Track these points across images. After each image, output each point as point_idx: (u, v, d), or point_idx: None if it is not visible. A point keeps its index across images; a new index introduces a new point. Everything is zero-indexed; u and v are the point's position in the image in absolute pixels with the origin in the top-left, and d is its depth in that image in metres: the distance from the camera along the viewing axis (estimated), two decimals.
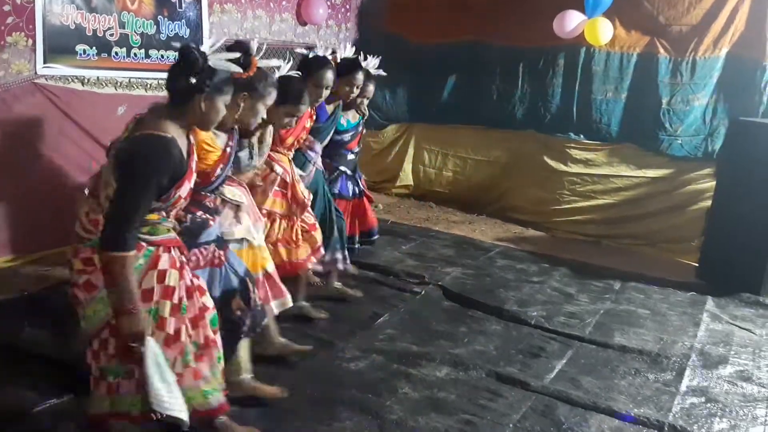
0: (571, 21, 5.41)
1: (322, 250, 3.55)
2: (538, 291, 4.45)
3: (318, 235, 3.47)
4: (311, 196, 3.46)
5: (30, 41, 3.92)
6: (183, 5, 4.82)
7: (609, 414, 2.90)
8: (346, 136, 4.00)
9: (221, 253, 2.60)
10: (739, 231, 4.46)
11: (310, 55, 3.43)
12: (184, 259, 2.29)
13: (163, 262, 2.16)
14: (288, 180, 3.30)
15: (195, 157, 2.25)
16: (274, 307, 2.99)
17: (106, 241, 1.99)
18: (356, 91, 3.78)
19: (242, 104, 2.58)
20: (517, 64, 6.13)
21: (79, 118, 4.29)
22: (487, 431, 2.73)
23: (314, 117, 3.52)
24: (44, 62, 4.01)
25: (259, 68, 2.62)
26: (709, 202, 4.94)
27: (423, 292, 4.24)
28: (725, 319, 4.14)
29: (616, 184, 5.74)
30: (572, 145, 5.88)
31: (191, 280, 2.27)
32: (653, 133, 5.49)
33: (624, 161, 5.71)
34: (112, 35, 4.37)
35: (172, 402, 2.06)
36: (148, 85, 4.68)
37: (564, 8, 5.44)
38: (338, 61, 3.68)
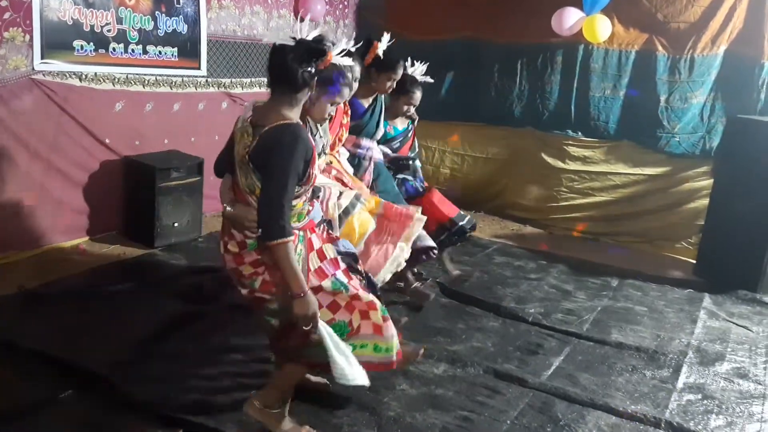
0: (570, 18, 5.40)
1: None
2: (536, 288, 4.46)
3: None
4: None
5: (27, 37, 3.91)
6: (181, 1, 4.81)
7: (606, 411, 2.91)
8: (395, 144, 3.97)
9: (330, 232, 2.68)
10: (736, 228, 4.47)
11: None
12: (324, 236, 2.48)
13: (316, 242, 2.36)
14: (344, 179, 3.20)
15: (312, 136, 2.40)
16: (397, 252, 3.07)
17: (267, 232, 2.14)
18: (394, 86, 3.68)
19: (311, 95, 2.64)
20: (516, 61, 6.13)
21: (77, 114, 4.30)
22: (484, 428, 2.73)
23: (349, 112, 3.42)
24: (41, 58, 4.01)
25: (332, 64, 2.63)
26: (706, 200, 4.96)
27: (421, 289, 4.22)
28: (722, 316, 4.16)
29: (614, 182, 5.75)
30: (570, 142, 5.88)
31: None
32: (651, 131, 5.49)
33: (622, 159, 5.71)
34: (109, 31, 4.36)
35: (354, 372, 2.26)
36: (146, 81, 4.68)
37: (562, 5, 5.44)
38: (378, 54, 3.56)
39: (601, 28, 5.31)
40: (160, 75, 4.77)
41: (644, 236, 5.59)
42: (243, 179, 2.24)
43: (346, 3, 6.70)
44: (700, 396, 3.13)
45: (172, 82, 4.88)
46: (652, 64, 5.44)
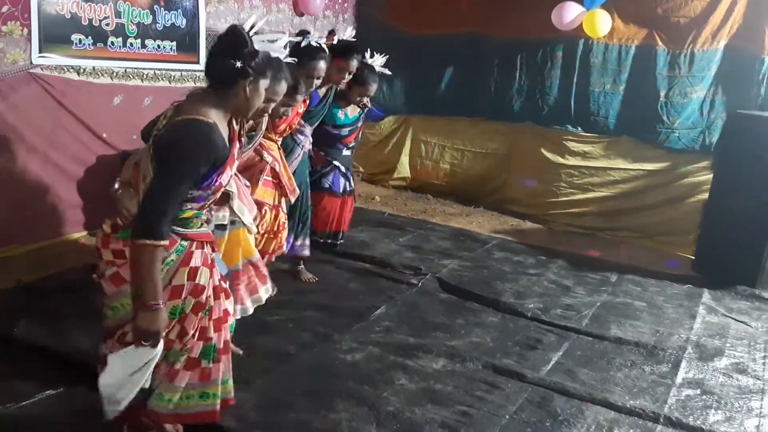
0: (570, 13, 5.39)
1: (287, 245, 3.56)
2: (535, 283, 4.45)
3: (285, 231, 3.45)
4: (297, 190, 3.43)
5: (25, 30, 3.89)
6: None
7: (605, 406, 2.91)
8: (344, 131, 3.99)
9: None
10: (735, 224, 4.46)
11: (303, 44, 3.31)
12: (214, 256, 2.22)
13: (196, 259, 2.09)
14: (277, 169, 3.26)
15: (237, 143, 2.13)
16: (262, 293, 2.99)
17: (138, 229, 1.89)
18: (348, 77, 3.72)
19: None
20: (515, 56, 6.11)
21: (75, 108, 4.28)
22: (483, 423, 2.73)
23: (307, 102, 3.49)
24: (39, 52, 3.99)
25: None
26: (706, 195, 4.95)
27: (420, 284, 4.23)
28: (721, 312, 4.15)
29: (614, 177, 5.74)
30: (570, 137, 5.87)
31: (219, 281, 2.22)
32: (651, 126, 5.48)
33: (621, 154, 5.71)
34: (108, 25, 4.34)
35: (114, 391, 1.98)
36: (144, 75, 4.66)
37: (562, 0, 5.42)
38: (334, 42, 3.61)
39: (601, 23, 5.29)
40: (158, 69, 4.75)
41: (644, 232, 5.58)
42: (143, 162, 2.01)
43: None
44: (699, 391, 3.13)
45: (170, 77, 4.86)
46: (652, 58, 5.43)
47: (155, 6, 4.62)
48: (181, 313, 2.08)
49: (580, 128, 5.85)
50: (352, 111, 4.01)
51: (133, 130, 4.65)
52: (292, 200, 3.43)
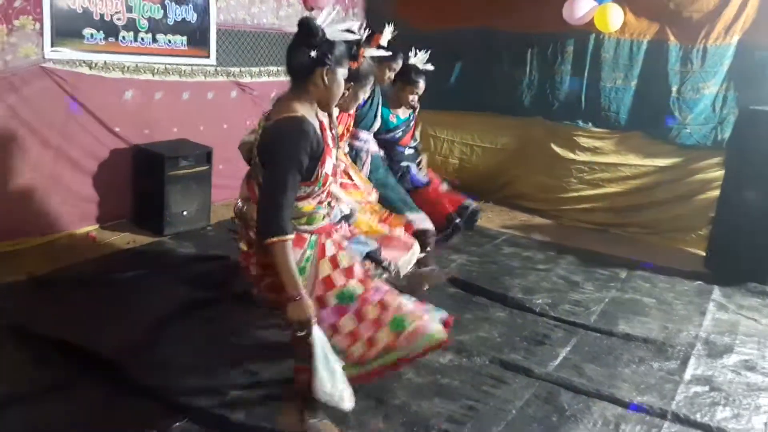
0: (581, 7, 5.36)
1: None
2: (544, 279, 4.45)
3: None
4: (375, 192, 3.36)
5: (37, 25, 3.93)
6: None
7: (612, 401, 2.91)
8: (398, 133, 3.97)
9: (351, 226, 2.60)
10: (747, 220, 4.43)
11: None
12: (356, 238, 2.40)
13: (330, 248, 2.22)
14: (351, 173, 3.23)
15: (329, 133, 2.24)
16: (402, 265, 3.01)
17: (262, 229, 2.03)
18: (392, 76, 3.74)
19: (347, 93, 2.58)
20: (526, 51, 6.09)
21: (87, 102, 4.31)
22: (490, 417, 2.73)
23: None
24: (52, 46, 4.02)
25: (365, 59, 2.58)
26: (717, 192, 4.90)
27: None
28: (731, 309, 4.13)
29: (624, 173, 5.71)
30: (580, 132, 5.84)
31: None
32: (662, 122, 5.45)
33: (632, 150, 5.67)
34: (119, 19, 4.37)
35: (333, 392, 2.11)
36: (155, 70, 4.69)
37: None
38: (378, 43, 3.58)
39: (612, 18, 5.26)
40: (169, 64, 4.78)
41: (654, 228, 5.55)
42: (255, 175, 2.17)
43: None
44: (707, 388, 3.12)
45: (181, 71, 4.88)
46: (664, 54, 5.38)
47: (166, 1, 4.64)
48: (352, 297, 2.20)
49: (590, 123, 5.82)
50: (403, 112, 4.00)
51: (145, 124, 4.73)
52: (373, 199, 3.34)
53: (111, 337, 3.06)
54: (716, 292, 4.37)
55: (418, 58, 3.93)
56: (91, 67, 4.29)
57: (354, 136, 3.56)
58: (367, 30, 3.61)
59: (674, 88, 5.36)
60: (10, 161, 3.97)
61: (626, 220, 5.69)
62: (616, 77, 5.66)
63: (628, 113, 5.68)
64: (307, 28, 2.07)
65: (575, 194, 5.90)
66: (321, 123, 2.20)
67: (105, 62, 4.36)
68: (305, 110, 2.11)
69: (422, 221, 3.67)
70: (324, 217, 2.24)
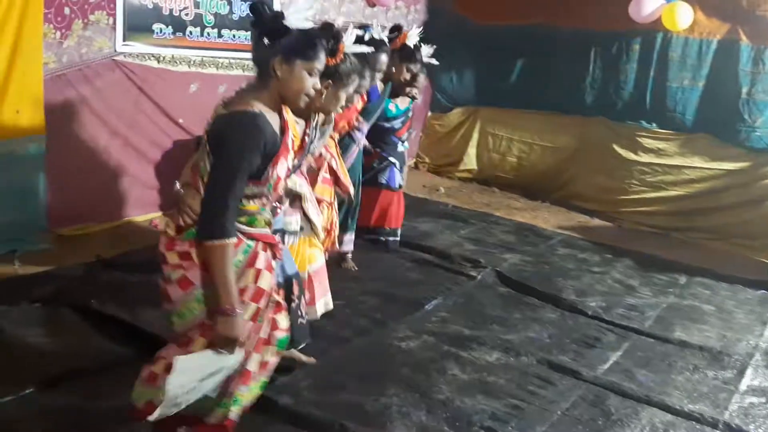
0: (649, 5, 5.22)
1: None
2: (599, 281, 4.37)
3: (337, 229, 3.35)
4: (352, 187, 3.39)
5: (111, 19, 4.12)
6: None
7: (662, 408, 2.84)
8: (396, 123, 4.00)
9: (281, 245, 2.32)
10: None
11: (366, 37, 3.28)
12: (274, 263, 2.13)
13: (260, 262, 2.01)
14: (335, 166, 3.21)
15: (290, 133, 2.06)
16: (318, 308, 2.98)
17: (203, 229, 1.85)
18: (409, 77, 3.77)
19: (324, 91, 2.47)
20: (589, 48, 5.99)
21: (154, 94, 4.49)
22: (534, 417, 2.71)
23: (365, 98, 3.48)
24: (123, 40, 4.21)
25: (345, 54, 2.51)
26: None
27: (479, 277, 4.21)
28: None
29: (689, 176, 5.54)
30: (644, 133, 5.70)
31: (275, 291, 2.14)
32: (731, 124, 5.25)
33: (698, 152, 5.50)
34: (187, 15, 4.53)
35: (179, 400, 1.87)
36: (220, 64, 4.84)
37: None
38: (404, 41, 3.64)
39: (681, 16, 5.11)
40: (233, 58, 4.92)
41: (718, 233, 5.36)
42: (200, 160, 1.96)
43: None
44: (763, 399, 3.00)
45: (244, 65, 5.01)
46: (735, 54, 5.20)
47: None
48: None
49: (655, 124, 5.67)
50: (402, 102, 4.02)
51: (208, 116, 4.86)
52: (349, 196, 3.40)
53: (162, 349, 3.18)
54: None
55: (423, 51, 3.87)
56: (159, 61, 4.46)
57: (356, 127, 3.53)
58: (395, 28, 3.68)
59: (744, 90, 5.17)
60: (81, 149, 4.18)
61: (689, 225, 5.52)
62: (683, 77, 5.49)
63: (694, 114, 5.51)
64: (257, 13, 1.90)
65: (636, 196, 5.77)
66: (284, 122, 2.03)
67: (173, 56, 4.52)
68: (264, 105, 1.92)
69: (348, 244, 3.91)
70: (266, 223, 2.05)
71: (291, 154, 2.08)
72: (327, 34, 2.12)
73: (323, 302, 3.04)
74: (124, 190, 4.48)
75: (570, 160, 6.25)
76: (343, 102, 2.66)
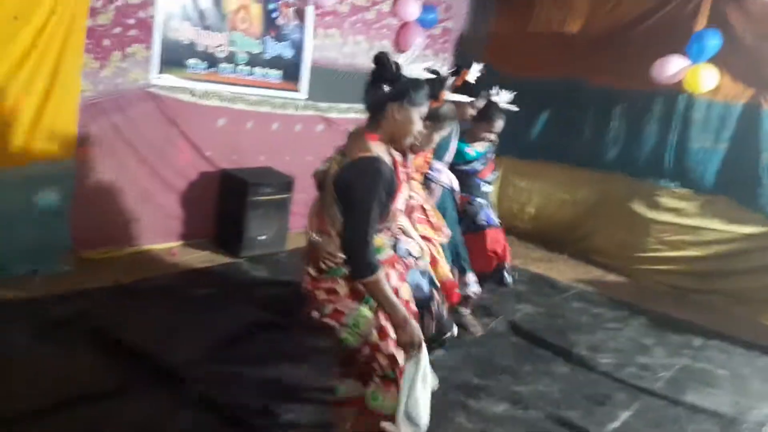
0: (673, 66, 5.28)
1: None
2: (612, 338, 4.33)
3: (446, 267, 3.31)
4: (447, 229, 3.36)
5: (147, 52, 4.27)
6: (289, 27, 5.09)
7: None
8: (477, 165, 3.98)
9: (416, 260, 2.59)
10: None
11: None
12: (420, 270, 2.47)
13: (393, 278, 2.26)
14: (427, 208, 3.24)
15: (400, 169, 2.27)
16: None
17: (358, 271, 2.11)
18: (474, 113, 3.71)
19: (423, 132, 2.59)
20: (613, 105, 6.03)
21: (184, 127, 4.61)
22: None
23: None
24: (158, 72, 4.35)
25: (446, 101, 2.68)
26: None
27: (491, 325, 4.21)
28: None
29: (707, 237, 5.49)
30: (663, 192, 5.70)
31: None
32: (751, 189, 5.24)
33: (717, 214, 5.46)
34: (221, 52, 4.68)
35: (419, 414, 2.14)
36: (249, 100, 4.96)
37: (665, 53, 5.32)
38: (464, 79, 3.61)
39: (704, 79, 5.15)
40: (262, 95, 5.05)
41: (737, 297, 5.28)
42: (328, 208, 2.20)
43: (446, 38, 6.84)
44: None
45: (273, 103, 5.15)
46: (757, 119, 5.21)
47: (266, 37, 4.93)
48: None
49: (674, 184, 5.67)
50: (481, 146, 4.00)
51: (234, 150, 4.99)
52: (444, 240, 3.35)
53: (179, 348, 3.23)
54: None
55: (501, 97, 3.92)
56: (192, 94, 4.59)
57: (430, 168, 3.55)
58: (455, 68, 3.70)
59: (765, 155, 5.15)
60: (109, 175, 4.29)
61: (707, 286, 5.46)
62: (705, 139, 5.50)
63: (715, 176, 5.50)
64: (382, 62, 2.13)
65: (653, 254, 5.73)
66: (394, 160, 2.24)
67: (205, 90, 4.66)
68: (379, 148, 2.16)
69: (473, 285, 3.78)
70: (389, 248, 2.30)
71: (405, 188, 2.29)
72: (434, 80, 2.33)
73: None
74: (148, 218, 4.57)
75: (589, 214, 6.25)
76: (436, 142, 2.82)
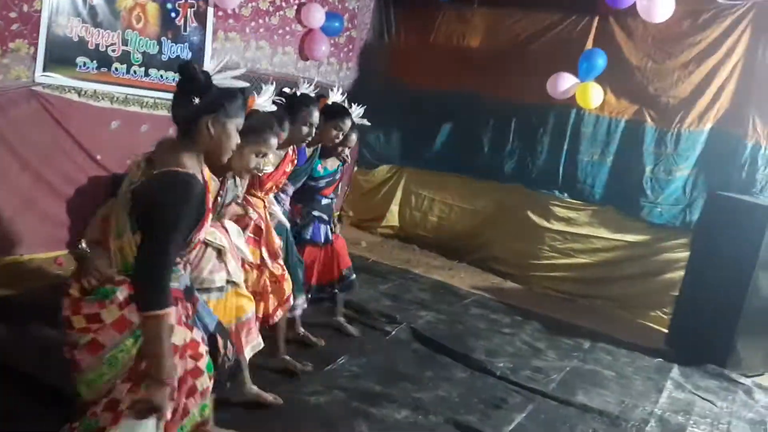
0: (564, 83, 5.56)
1: (291, 301, 3.30)
2: (508, 342, 4.47)
3: (288, 285, 3.20)
4: (282, 246, 3.27)
5: (32, 49, 4.02)
6: (188, 29, 4.94)
7: None
8: (321, 183, 3.85)
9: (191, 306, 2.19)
10: (709, 303, 4.51)
11: (297, 93, 3.29)
12: (202, 311, 2.18)
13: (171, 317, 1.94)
14: (262, 227, 3.09)
15: (210, 193, 2.04)
16: (247, 353, 2.83)
17: (142, 299, 1.81)
18: (341, 137, 3.66)
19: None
20: (510, 119, 6.26)
21: (73, 129, 4.37)
22: None
23: (295, 161, 3.36)
24: (43, 70, 4.10)
25: (254, 110, 2.51)
26: (682, 272, 5.01)
27: (393, 333, 4.25)
28: (688, 389, 4.17)
29: (595, 245, 5.81)
30: (556, 202, 5.97)
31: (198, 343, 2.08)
32: (635, 199, 5.59)
33: (604, 223, 5.80)
34: (114, 51, 4.47)
35: None
36: (144, 103, 4.77)
37: (559, 70, 5.60)
38: (327, 103, 3.56)
39: (593, 95, 5.46)
40: (159, 98, 4.86)
41: (620, 301, 5.62)
42: (117, 218, 1.91)
43: (350, 47, 6.87)
44: None
45: (169, 107, 4.94)
46: (640, 134, 5.57)
47: (163, 38, 4.76)
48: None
49: (566, 194, 5.95)
50: (332, 163, 3.90)
51: (127, 155, 4.70)
52: (276, 265, 3.19)
53: (66, 366, 3.01)
54: (675, 371, 4.41)
55: (354, 112, 3.76)
56: (80, 94, 4.36)
57: (283, 189, 3.43)
58: (317, 90, 3.55)
59: (648, 168, 5.53)
60: None
61: (594, 292, 5.77)
62: (594, 152, 5.83)
63: (603, 188, 5.82)
64: (189, 73, 1.93)
65: (547, 262, 5.99)
66: (205, 182, 2.00)
67: (95, 91, 4.43)
68: (192, 164, 1.91)
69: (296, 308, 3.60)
70: (176, 279, 2.00)
71: (210, 217, 2.06)
72: (243, 90, 2.10)
73: (251, 348, 2.86)
74: (30, 226, 4.27)
75: (487, 224, 6.45)
76: (254, 163, 2.56)
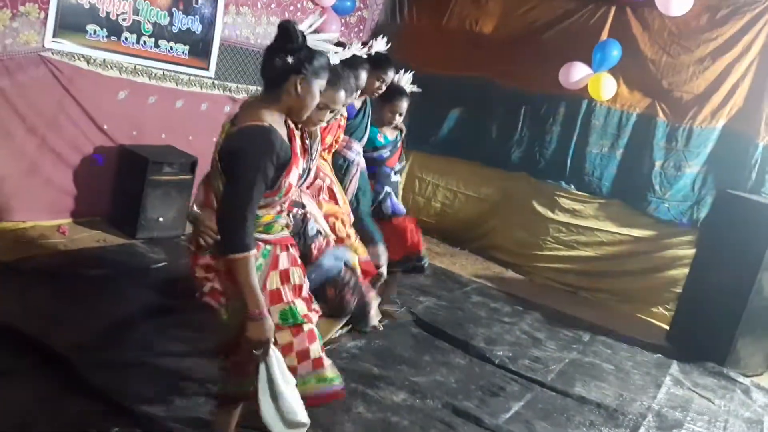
0: (577, 73, 5.50)
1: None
2: (508, 331, 4.46)
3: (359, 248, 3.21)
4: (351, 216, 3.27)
5: (42, 14, 3.97)
6: (199, 2, 4.88)
7: None
8: (385, 152, 3.88)
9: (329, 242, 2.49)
10: (711, 301, 4.50)
11: (346, 54, 3.25)
12: (333, 249, 2.38)
13: (283, 261, 2.13)
14: (335, 189, 3.14)
15: (298, 142, 2.14)
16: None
17: (227, 245, 1.94)
18: (383, 88, 3.61)
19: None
20: (520, 107, 6.19)
21: (80, 97, 4.33)
22: None
23: (345, 116, 3.35)
24: (53, 36, 4.05)
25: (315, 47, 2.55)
26: (687, 269, 4.99)
27: (398, 311, 4.26)
28: (687, 385, 4.16)
29: (600, 239, 5.78)
30: (562, 193, 5.93)
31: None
32: (642, 194, 5.55)
33: (610, 217, 5.75)
34: (124, 20, 4.42)
35: (276, 423, 2.05)
36: (153, 74, 4.72)
37: (572, 59, 5.54)
38: (371, 53, 3.45)
39: (605, 87, 5.40)
40: (167, 70, 4.82)
41: (623, 296, 5.60)
42: (213, 179, 2.06)
43: (361, 27, 6.81)
44: None
45: (178, 79, 4.92)
46: (652, 128, 5.51)
47: (174, 9, 4.71)
48: (295, 317, 2.12)
49: (573, 186, 5.91)
50: (391, 133, 3.93)
51: (134, 126, 4.74)
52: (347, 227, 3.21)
53: (66, 332, 3.02)
54: (674, 367, 4.41)
55: (403, 78, 3.85)
56: (89, 63, 4.31)
57: (347, 147, 3.46)
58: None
59: (658, 163, 5.48)
60: None
61: (597, 285, 5.74)
62: (603, 144, 5.77)
63: (611, 181, 5.78)
64: (287, 31, 1.99)
65: (550, 253, 5.96)
66: (291, 131, 2.12)
67: (104, 60, 4.39)
68: (273, 119, 2.02)
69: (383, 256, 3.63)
70: (283, 228, 2.17)
71: (301, 161, 2.15)
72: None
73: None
74: (35, 192, 4.25)
75: (491, 212, 6.42)
76: (317, 97, 2.62)
